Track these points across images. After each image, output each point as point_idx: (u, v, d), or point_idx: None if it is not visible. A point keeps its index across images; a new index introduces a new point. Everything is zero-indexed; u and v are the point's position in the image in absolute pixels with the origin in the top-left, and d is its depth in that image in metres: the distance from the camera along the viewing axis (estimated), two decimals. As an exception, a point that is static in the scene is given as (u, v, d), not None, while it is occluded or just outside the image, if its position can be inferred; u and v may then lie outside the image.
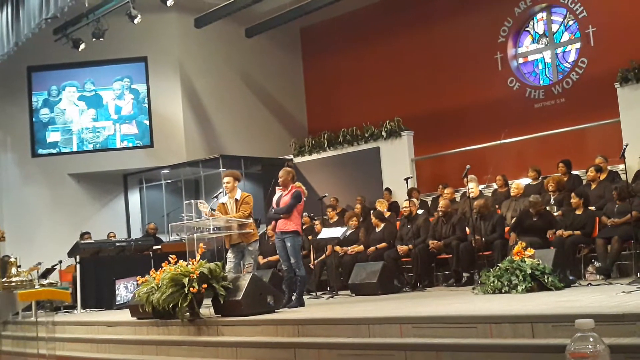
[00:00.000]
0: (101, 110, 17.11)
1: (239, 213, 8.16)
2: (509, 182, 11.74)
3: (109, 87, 17.11)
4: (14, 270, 9.05)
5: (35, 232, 16.06)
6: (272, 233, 10.74)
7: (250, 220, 8.29)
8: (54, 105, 17.11)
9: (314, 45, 19.15)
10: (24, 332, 9.46)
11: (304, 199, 8.46)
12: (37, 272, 12.34)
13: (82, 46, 15.36)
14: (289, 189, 8.31)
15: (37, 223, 16.32)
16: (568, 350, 2.55)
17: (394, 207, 12.86)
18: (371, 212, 11.71)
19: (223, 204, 8.44)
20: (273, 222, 8.40)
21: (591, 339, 2.53)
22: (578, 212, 9.30)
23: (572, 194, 9.45)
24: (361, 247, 11.08)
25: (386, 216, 11.61)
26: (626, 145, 8.70)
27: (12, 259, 9.51)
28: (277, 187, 8.55)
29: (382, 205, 12.12)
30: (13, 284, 8.90)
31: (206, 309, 7.40)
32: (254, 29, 17.53)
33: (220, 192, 8.82)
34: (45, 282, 9.69)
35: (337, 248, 11.26)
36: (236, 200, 8.32)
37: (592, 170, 10.25)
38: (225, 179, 8.46)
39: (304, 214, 11.94)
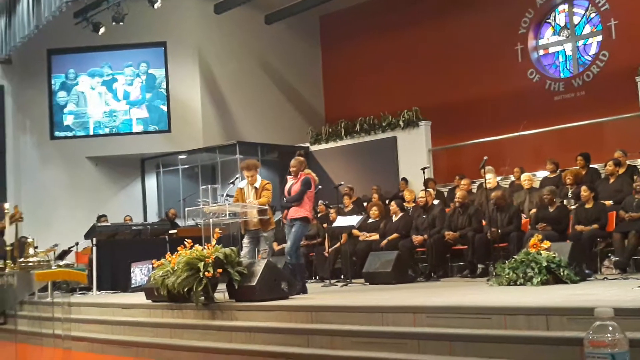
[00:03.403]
0: (115, 95, 17.18)
1: (262, 199, 8.16)
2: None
3: (124, 72, 17.17)
4: (31, 251, 9.12)
5: (53, 214, 16.19)
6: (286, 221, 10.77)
7: (268, 208, 8.29)
8: (71, 88, 17.20)
9: (332, 34, 19.10)
10: (40, 312, 9.56)
11: (319, 186, 8.45)
12: (54, 253, 12.45)
13: (102, 30, 15.42)
14: (299, 176, 8.32)
15: (55, 205, 16.44)
16: (587, 338, 2.55)
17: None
18: (393, 201, 11.61)
19: (241, 189, 8.45)
20: (285, 211, 8.41)
21: (610, 328, 2.52)
22: (588, 205, 9.23)
23: (583, 187, 9.38)
24: (377, 236, 11.07)
25: (409, 207, 11.54)
26: (646, 140, 8.63)
27: (29, 240, 9.59)
28: (288, 176, 8.56)
29: (410, 195, 12.00)
30: (30, 264, 8.97)
31: (220, 293, 7.44)
32: (273, 16, 17.51)
33: (237, 178, 8.84)
34: (61, 263, 9.78)
35: (356, 232, 11.27)
36: (255, 188, 8.33)
37: (610, 164, 10.15)
38: (247, 173, 8.38)
39: (319, 202, 11.96)
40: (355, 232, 11.27)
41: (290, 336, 6.17)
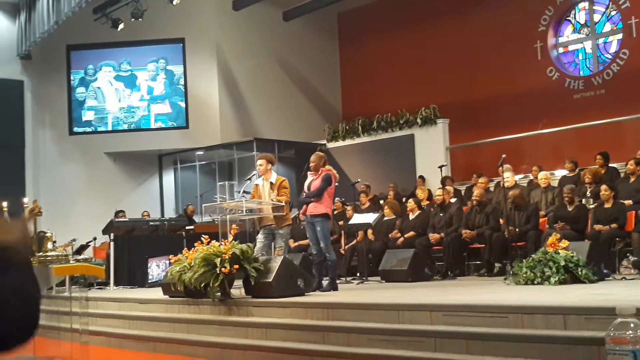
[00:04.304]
0: (135, 91, 17.26)
1: (283, 197, 8.17)
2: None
3: (144, 68, 17.24)
4: (49, 245, 9.18)
5: (71, 208, 16.31)
6: (303, 217, 10.76)
7: (285, 204, 8.30)
8: (89, 84, 17.30)
9: (350, 30, 19.07)
10: (58, 306, 9.61)
11: (336, 183, 8.45)
12: (72, 248, 12.52)
13: (121, 26, 15.50)
14: (319, 172, 8.31)
15: (73, 200, 16.57)
16: (608, 335, 2.53)
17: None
18: (410, 199, 11.57)
19: (257, 185, 8.48)
20: (304, 207, 8.40)
21: (632, 325, 2.50)
22: (607, 205, 9.16)
23: (603, 187, 9.30)
24: (398, 234, 11.05)
25: (424, 205, 11.51)
26: (667, 139, 8.53)
27: (48, 234, 9.66)
28: (308, 172, 8.56)
29: (423, 193, 11.98)
30: (48, 258, 9.03)
31: (237, 289, 7.46)
32: (291, 13, 17.51)
33: (254, 175, 8.85)
34: (79, 257, 9.83)
35: (371, 235, 11.24)
36: (271, 183, 8.34)
37: (631, 163, 10.03)
38: (258, 162, 8.50)
39: (336, 199, 11.93)
40: (370, 235, 11.22)
41: (306, 333, 6.17)
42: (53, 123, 17.13)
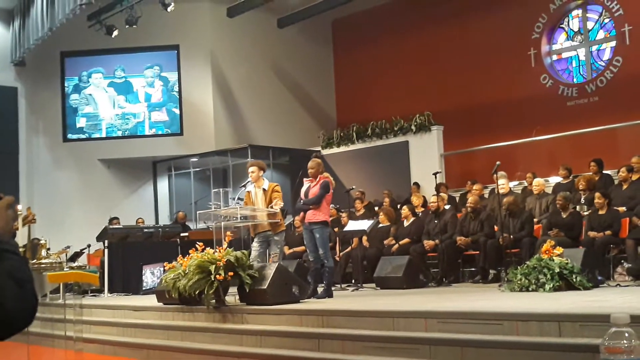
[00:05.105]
0: (131, 97, 17.23)
1: (280, 201, 8.17)
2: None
3: (139, 75, 17.21)
4: (43, 253, 9.16)
5: (65, 215, 16.26)
6: (299, 224, 10.76)
7: (279, 210, 8.30)
8: (83, 91, 17.27)
9: (345, 38, 19.10)
10: (52, 314, 9.59)
11: (332, 190, 8.45)
12: (66, 255, 12.50)
13: (115, 33, 15.49)
14: (317, 179, 8.30)
15: (67, 207, 16.52)
16: (602, 344, 2.53)
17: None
18: (405, 206, 11.59)
19: (249, 192, 8.48)
20: (302, 213, 8.40)
21: (626, 334, 2.49)
22: (601, 212, 9.18)
23: (597, 194, 9.33)
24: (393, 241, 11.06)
25: (419, 212, 11.52)
26: (660, 146, 8.57)
27: (42, 242, 9.64)
28: (304, 179, 8.55)
29: (418, 199, 12.00)
30: (43, 266, 9.02)
31: (232, 296, 7.45)
32: (286, 20, 17.53)
33: (248, 182, 8.85)
34: (74, 265, 9.81)
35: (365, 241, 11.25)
36: (264, 190, 8.34)
37: (624, 170, 10.09)
38: (250, 169, 8.49)
39: (331, 205, 11.93)
40: (365, 241, 11.22)
41: (300, 340, 6.17)
42: (47, 130, 17.09)
